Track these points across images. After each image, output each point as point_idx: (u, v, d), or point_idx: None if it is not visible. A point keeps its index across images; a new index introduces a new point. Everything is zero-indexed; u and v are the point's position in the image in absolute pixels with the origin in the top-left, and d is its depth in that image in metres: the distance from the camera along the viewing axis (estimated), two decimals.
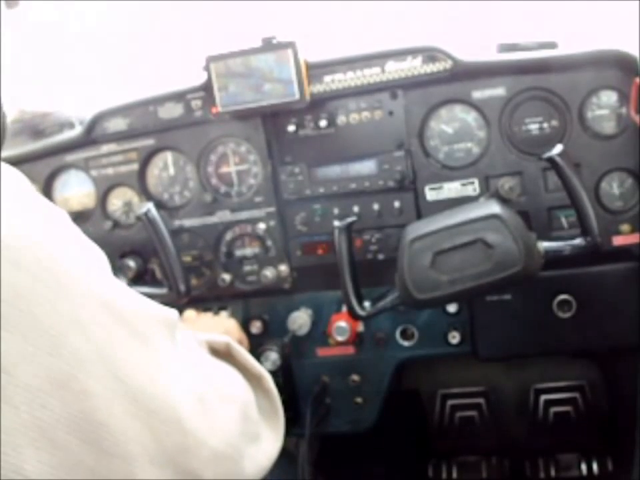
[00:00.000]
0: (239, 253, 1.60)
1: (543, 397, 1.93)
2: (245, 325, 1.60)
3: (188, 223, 1.60)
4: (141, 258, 1.62)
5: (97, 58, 1.96)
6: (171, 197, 1.62)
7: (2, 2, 1.16)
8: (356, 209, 1.49)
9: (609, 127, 1.37)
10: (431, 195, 1.46)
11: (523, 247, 1.14)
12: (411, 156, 1.46)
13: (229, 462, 0.71)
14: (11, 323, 0.46)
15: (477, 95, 1.41)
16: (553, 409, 1.93)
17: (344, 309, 1.44)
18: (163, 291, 1.50)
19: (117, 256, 1.60)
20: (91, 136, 1.61)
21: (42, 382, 0.47)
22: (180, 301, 1.50)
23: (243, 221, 1.57)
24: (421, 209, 1.47)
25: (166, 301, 1.48)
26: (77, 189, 1.68)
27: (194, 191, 1.60)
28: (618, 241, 1.37)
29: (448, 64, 1.39)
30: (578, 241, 1.23)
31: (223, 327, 1.35)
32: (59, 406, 0.48)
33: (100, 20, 1.95)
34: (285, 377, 1.54)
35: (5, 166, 0.55)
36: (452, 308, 1.49)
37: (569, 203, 1.26)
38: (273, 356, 1.50)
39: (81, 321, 0.51)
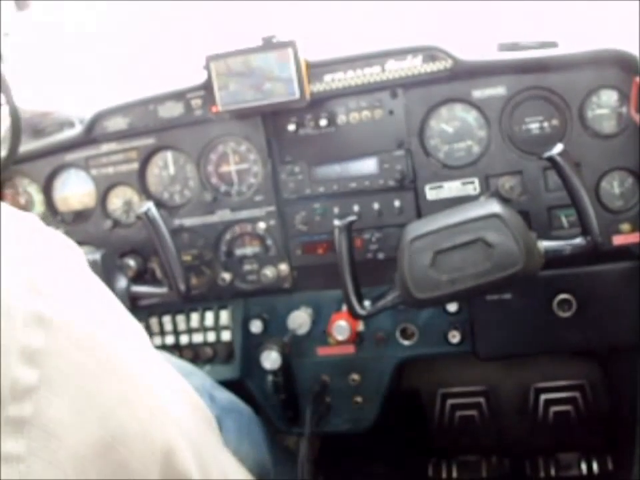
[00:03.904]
0: (239, 252, 1.60)
1: (543, 396, 1.93)
2: (245, 324, 1.60)
3: (188, 222, 1.60)
4: (141, 257, 1.62)
5: (96, 58, 1.95)
6: (171, 196, 1.62)
7: (14, 3, 1.16)
8: (356, 208, 1.49)
9: (609, 126, 1.37)
10: (431, 194, 1.46)
11: (523, 246, 1.15)
12: (411, 155, 1.46)
13: None
14: (65, 394, 0.48)
15: (477, 94, 1.41)
16: (553, 408, 1.92)
17: (344, 308, 1.44)
18: (162, 290, 1.50)
19: (117, 255, 1.60)
20: (91, 135, 1.61)
21: (87, 450, 0.49)
22: (180, 300, 1.50)
23: (243, 220, 1.57)
24: (421, 208, 1.47)
25: (166, 300, 1.50)
26: (77, 188, 1.68)
27: (194, 190, 1.60)
28: (618, 240, 1.37)
29: (448, 63, 1.39)
30: (578, 241, 1.23)
31: None
32: (96, 475, 0.50)
33: (100, 20, 1.94)
34: (285, 376, 1.54)
35: (60, 238, 0.57)
36: (452, 307, 1.49)
37: (569, 203, 1.26)
38: (273, 355, 1.50)
39: (128, 399, 0.54)
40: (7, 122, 1.55)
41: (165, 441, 0.57)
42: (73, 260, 0.58)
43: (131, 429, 0.53)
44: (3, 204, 0.54)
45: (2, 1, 1.30)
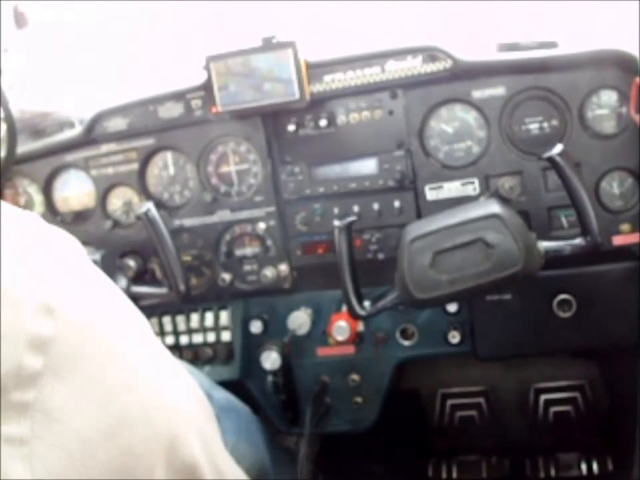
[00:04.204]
0: (238, 252, 1.60)
1: (543, 397, 1.93)
2: (244, 325, 1.60)
3: (188, 222, 1.60)
4: (140, 257, 1.62)
5: (96, 58, 1.95)
6: (170, 197, 1.62)
7: (13, 21, 1.18)
8: (356, 208, 1.49)
9: (609, 127, 1.37)
10: (431, 194, 1.46)
11: (522, 246, 1.15)
12: (411, 155, 1.46)
13: None
14: (68, 380, 0.50)
15: (477, 94, 1.41)
16: (553, 409, 1.92)
17: (344, 308, 1.44)
18: (162, 290, 1.50)
19: (116, 255, 1.60)
20: (91, 135, 1.61)
21: (92, 433, 0.51)
22: (180, 301, 1.50)
23: (242, 221, 1.57)
24: (421, 209, 1.47)
25: (166, 301, 1.50)
26: (77, 188, 1.68)
27: (194, 191, 1.60)
28: (618, 240, 1.37)
29: (448, 63, 1.39)
30: (578, 241, 1.23)
31: None
32: (104, 458, 0.51)
33: (100, 20, 1.94)
34: (284, 377, 1.54)
35: (61, 233, 0.60)
36: (452, 307, 1.49)
37: (569, 203, 1.25)
38: (273, 356, 1.50)
39: (131, 385, 0.56)
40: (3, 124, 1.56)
41: (168, 426, 0.58)
42: (75, 253, 0.59)
43: (134, 413, 0.55)
44: (4, 203, 0.55)
45: (2, 19, 1.31)
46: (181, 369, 0.69)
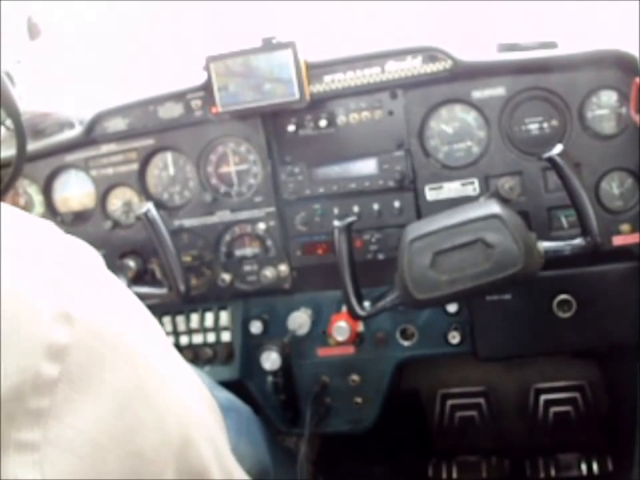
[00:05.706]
0: (238, 252, 1.60)
1: (543, 397, 1.93)
2: (244, 325, 1.60)
3: (188, 222, 1.60)
4: (140, 258, 1.62)
5: (96, 58, 1.95)
6: (170, 197, 1.62)
7: (27, 33, 1.19)
8: (356, 208, 1.49)
9: (608, 127, 1.37)
10: (430, 194, 1.46)
11: (522, 246, 1.14)
12: (410, 156, 1.46)
13: None
14: (83, 386, 0.51)
15: (477, 94, 1.41)
16: (553, 409, 1.92)
17: (344, 308, 1.44)
18: (162, 291, 1.50)
19: (116, 256, 1.60)
20: (91, 136, 1.61)
21: (104, 439, 0.51)
22: (180, 301, 1.50)
23: (242, 221, 1.57)
24: (421, 209, 1.47)
25: (166, 301, 1.50)
26: (76, 188, 1.68)
27: (194, 191, 1.60)
28: (618, 240, 1.37)
29: (448, 64, 1.39)
30: (578, 241, 1.23)
31: None
32: (115, 463, 0.52)
33: (100, 20, 1.94)
34: (284, 377, 1.54)
35: (82, 244, 0.61)
36: (452, 308, 1.49)
37: (568, 203, 1.26)
38: (273, 356, 1.50)
39: (145, 390, 0.56)
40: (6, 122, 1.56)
41: (180, 431, 0.58)
42: (92, 261, 0.60)
43: (148, 419, 0.55)
44: (21, 212, 0.55)
45: (15, 30, 1.32)
46: (190, 371, 0.69)
